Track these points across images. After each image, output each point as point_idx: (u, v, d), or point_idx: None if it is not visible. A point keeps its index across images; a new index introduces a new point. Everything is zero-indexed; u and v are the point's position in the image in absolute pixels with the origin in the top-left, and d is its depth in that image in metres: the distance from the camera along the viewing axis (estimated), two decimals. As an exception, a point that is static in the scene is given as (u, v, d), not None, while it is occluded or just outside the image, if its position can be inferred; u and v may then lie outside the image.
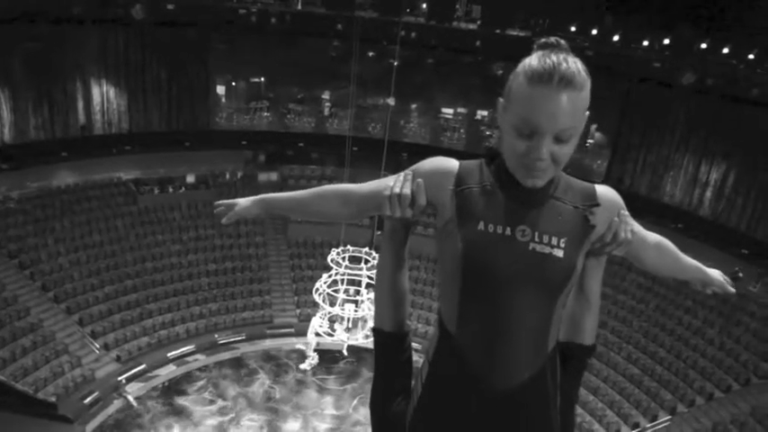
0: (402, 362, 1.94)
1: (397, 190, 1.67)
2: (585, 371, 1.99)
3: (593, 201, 1.67)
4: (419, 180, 1.68)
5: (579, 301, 1.87)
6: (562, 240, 1.58)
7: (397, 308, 1.92)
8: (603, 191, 1.72)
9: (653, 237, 1.89)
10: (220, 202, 2.05)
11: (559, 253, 1.57)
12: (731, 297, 21.07)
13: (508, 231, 1.57)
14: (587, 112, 1.52)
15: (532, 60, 1.49)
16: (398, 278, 1.90)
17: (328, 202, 1.90)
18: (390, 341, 1.93)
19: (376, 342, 1.98)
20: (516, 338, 1.59)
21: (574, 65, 1.46)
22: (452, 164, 1.71)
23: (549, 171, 1.51)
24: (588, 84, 1.49)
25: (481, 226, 1.58)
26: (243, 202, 2.04)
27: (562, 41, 1.53)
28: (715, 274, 2.08)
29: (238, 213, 2.03)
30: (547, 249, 1.56)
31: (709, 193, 24.36)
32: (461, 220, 1.61)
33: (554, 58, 1.46)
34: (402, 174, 1.72)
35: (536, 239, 1.57)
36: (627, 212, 1.73)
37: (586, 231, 1.65)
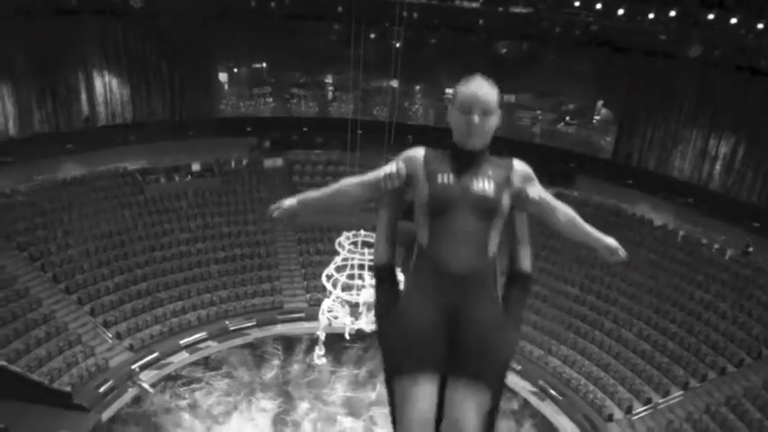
0: (393, 291, 2.62)
1: (388, 171, 2.54)
2: (528, 298, 2.76)
3: (510, 165, 2.55)
4: (401, 162, 2.56)
5: (513, 241, 2.67)
6: (492, 184, 2.45)
7: (392, 244, 2.67)
8: (518, 161, 2.58)
9: (561, 205, 2.59)
10: (274, 206, 2.64)
11: (490, 192, 2.44)
12: (743, 271, 20.98)
13: (457, 179, 2.46)
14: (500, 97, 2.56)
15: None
16: (394, 222, 2.66)
17: (346, 194, 2.64)
18: (385, 274, 2.66)
19: (376, 276, 2.71)
20: (466, 241, 2.42)
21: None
22: (421, 151, 2.59)
23: (480, 135, 2.45)
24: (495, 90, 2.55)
25: (440, 178, 2.46)
26: (288, 201, 2.65)
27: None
28: (610, 240, 2.60)
29: (286, 210, 2.62)
30: (482, 189, 2.44)
31: (718, 167, 24.11)
32: (429, 180, 2.48)
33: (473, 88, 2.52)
34: (391, 162, 2.57)
35: (475, 183, 2.45)
36: (536, 180, 2.56)
37: (507, 181, 2.51)
